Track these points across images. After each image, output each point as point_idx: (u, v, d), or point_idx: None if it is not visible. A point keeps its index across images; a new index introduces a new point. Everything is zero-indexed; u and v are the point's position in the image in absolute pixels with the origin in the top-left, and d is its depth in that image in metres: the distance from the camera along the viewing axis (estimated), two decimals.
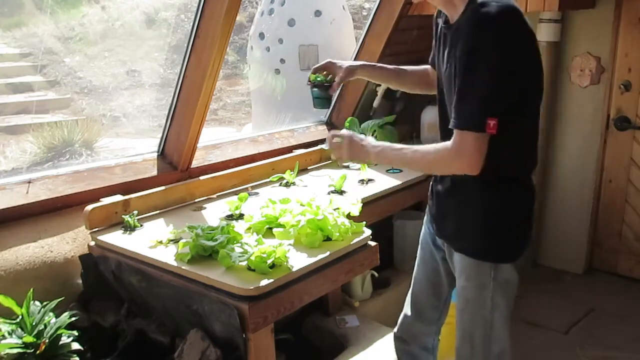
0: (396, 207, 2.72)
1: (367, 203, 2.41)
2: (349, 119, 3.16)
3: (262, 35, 4.40)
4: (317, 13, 4.28)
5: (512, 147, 1.53)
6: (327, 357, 2.31)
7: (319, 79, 1.86)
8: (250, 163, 2.71)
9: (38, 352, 1.62)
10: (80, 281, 2.09)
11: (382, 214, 2.65)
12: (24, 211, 2.10)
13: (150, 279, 1.87)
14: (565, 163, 3.62)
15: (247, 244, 1.79)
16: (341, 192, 2.51)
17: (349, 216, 2.05)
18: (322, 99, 1.88)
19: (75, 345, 1.69)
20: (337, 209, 2.07)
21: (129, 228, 2.10)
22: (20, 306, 1.66)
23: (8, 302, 1.66)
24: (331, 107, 1.94)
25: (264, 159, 2.79)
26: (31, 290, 1.71)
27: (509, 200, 1.62)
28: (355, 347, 2.34)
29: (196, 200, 2.44)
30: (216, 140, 2.84)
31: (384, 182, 2.70)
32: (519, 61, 1.43)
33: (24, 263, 1.98)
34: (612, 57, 3.32)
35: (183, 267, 1.77)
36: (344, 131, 1.75)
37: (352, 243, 1.92)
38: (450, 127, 1.48)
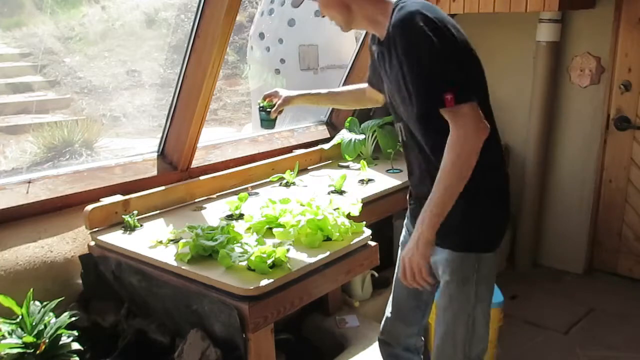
0: (396, 207, 2.72)
1: (367, 203, 2.41)
2: (349, 119, 3.17)
3: (262, 35, 4.40)
4: (317, 13, 4.27)
5: None
6: (327, 357, 2.31)
7: (264, 104, 2.12)
8: (250, 163, 2.71)
9: (38, 352, 1.62)
10: (80, 281, 2.09)
11: (382, 214, 2.65)
12: (24, 211, 2.10)
13: (150, 279, 1.87)
14: (565, 163, 3.62)
15: (247, 244, 1.79)
16: (341, 192, 2.51)
17: (349, 216, 2.05)
18: (265, 120, 2.13)
19: (75, 345, 1.69)
20: (337, 209, 2.07)
21: (129, 228, 2.11)
22: (20, 306, 1.66)
23: (8, 302, 1.66)
24: (274, 128, 2.18)
25: (264, 159, 2.80)
26: (31, 290, 1.71)
27: (485, 188, 1.61)
28: (355, 347, 2.34)
29: (196, 200, 2.45)
30: (216, 140, 2.84)
31: (384, 182, 2.70)
32: (452, 41, 1.48)
33: (24, 263, 1.98)
34: (612, 57, 3.32)
35: (183, 267, 1.77)
36: (404, 260, 1.59)
37: (352, 243, 1.92)
38: (442, 113, 1.46)
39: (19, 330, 1.65)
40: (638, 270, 3.51)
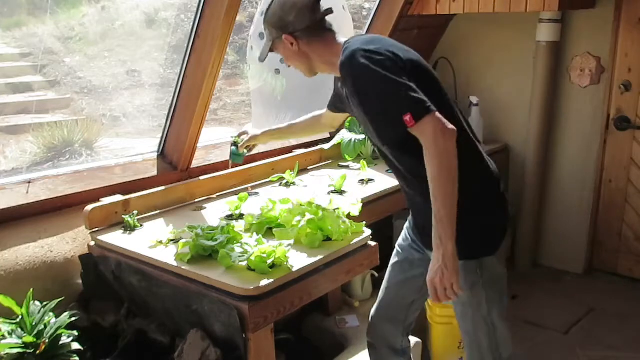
0: (396, 207, 2.72)
1: (367, 203, 2.41)
2: (349, 118, 3.16)
3: (262, 35, 4.38)
4: None
5: None
6: (327, 357, 2.31)
7: (235, 139, 2.32)
8: (250, 163, 2.71)
9: (38, 352, 1.62)
10: (80, 281, 2.09)
11: (382, 214, 2.65)
12: (24, 211, 2.10)
13: (150, 279, 1.87)
14: (565, 163, 3.62)
15: (247, 244, 1.79)
16: (341, 192, 2.51)
17: (349, 216, 2.05)
18: (234, 154, 2.33)
19: (75, 345, 1.69)
20: (337, 209, 2.07)
21: (129, 228, 2.11)
22: (20, 306, 1.66)
23: (8, 302, 1.66)
24: (241, 163, 2.41)
25: (264, 159, 2.80)
26: (31, 290, 1.71)
27: (476, 195, 1.62)
28: (355, 347, 2.34)
29: (196, 200, 2.45)
30: (216, 140, 2.84)
31: (384, 182, 2.70)
32: (396, 65, 1.55)
33: (24, 263, 1.98)
34: (612, 57, 3.32)
35: (183, 267, 1.77)
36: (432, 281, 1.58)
37: (352, 243, 1.92)
38: (411, 131, 1.51)
39: (19, 330, 1.65)
40: (638, 270, 3.51)
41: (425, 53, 3.88)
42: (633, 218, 3.46)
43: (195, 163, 2.58)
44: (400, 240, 1.98)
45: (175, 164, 2.53)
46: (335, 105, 2.07)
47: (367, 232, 1.98)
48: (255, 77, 4.64)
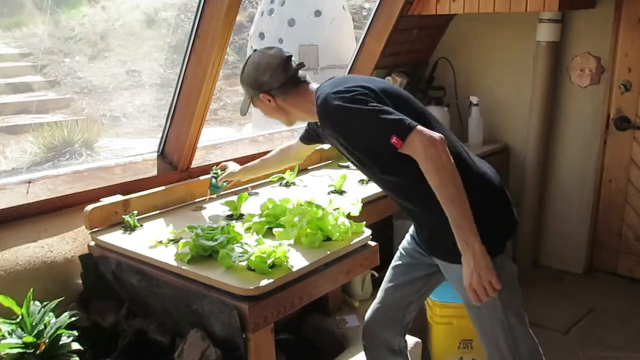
0: (396, 207, 2.71)
1: (367, 203, 2.41)
2: None
3: (262, 35, 4.40)
4: (317, 13, 4.28)
5: None
6: (327, 357, 2.31)
7: (216, 171, 2.37)
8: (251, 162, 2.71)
9: (38, 352, 1.62)
10: (80, 281, 2.09)
11: (382, 214, 2.65)
12: (24, 211, 2.10)
13: (150, 279, 1.87)
14: (565, 163, 3.62)
15: (247, 244, 1.79)
16: (341, 192, 2.51)
17: (349, 216, 2.05)
18: (213, 186, 2.36)
19: (75, 345, 1.69)
20: (337, 209, 2.07)
21: (129, 228, 2.10)
22: (20, 306, 1.66)
23: (8, 302, 1.66)
24: (219, 193, 2.43)
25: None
26: (31, 290, 1.71)
27: (471, 198, 1.60)
28: (355, 347, 2.34)
29: (196, 200, 2.45)
30: (216, 140, 2.84)
31: None
32: (368, 96, 1.60)
33: (24, 263, 1.98)
34: (612, 57, 3.32)
35: (183, 267, 1.77)
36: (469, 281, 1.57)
37: (352, 243, 1.92)
38: (402, 151, 1.54)
39: (19, 330, 1.65)
40: (638, 270, 3.51)
41: (425, 53, 3.88)
42: (633, 218, 3.46)
43: (195, 163, 2.58)
44: (404, 244, 2.00)
45: (175, 164, 2.53)
46: (309, 138, 2.11)
47: (367, 232, 1.98)
48: None
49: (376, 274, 2.73)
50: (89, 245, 2.10)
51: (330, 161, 3.10)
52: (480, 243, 1.52)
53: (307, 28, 4.28)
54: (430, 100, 3.63)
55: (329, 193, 2.50)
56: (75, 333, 1.71)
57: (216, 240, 1.79)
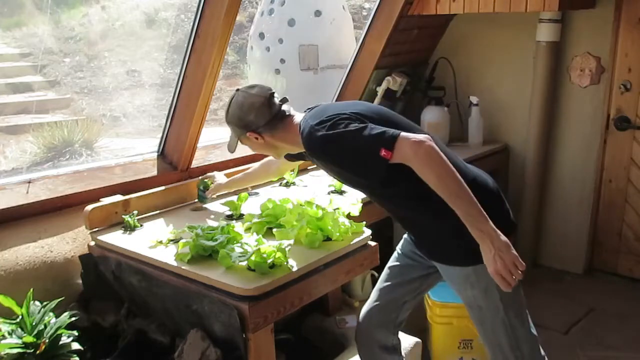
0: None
1: (367, 203, 2.40)
2: None
3: (262, 35, 4.40)
4: (317, 13, 4.27)
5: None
6: (327, 357, 2.31)
7: (206, 184, 2.38)
8: (250, 163, 2.71)
9: (38, 352, 1.62)
10: (80, 281, 2.09)
11: (382, 214, 2.64)
12: (24, 211, 2.10)
13: (150, 279, 1.87)
14: (565, 163, 3.62)
15: (247, 244, 1.79)
16: (341, 192, 2.51)
17: (349, 216, 2.05)
18: (201, 197, 2.38)
19: (75, 345, 1.69)
20: (337, 209, 2.07)
21: (129, 228, 2.11)
22: (20, 306, 1.66)
23: (8, 302, 1.66)
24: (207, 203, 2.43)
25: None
26: (31, 290, 1.71)
27: None
28: (355, 347, 2.34)
29: (196, 200, 2.44)
30: (216, 140, 2.84)
31: None
32: (348, 119, 1.64)
33: (24, 263, 1.98)
34: (612, 57, 3.32)
35: (183, 267, 1.77)
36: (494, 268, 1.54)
37: (352, 243, 1.92)
38: (393, 161, 1.55)
39: (19, 330, 1.65)
40: (638, 270, 3.51)
41: (425, 53, 3.88)
42: (633, 218, 3.46)
43: (195, 163, 2.58)
44: (402, 244, 2.00)
45: (175, 164, 2.53)
46: (294, 156, 2.11)
47: (367, 232, 1.99)
48: (255, 77, 4.65)
49: (376, 274, 2.72)
50: (89, 245, 2.10)
51: None
52: (494, 227, 1.51)
53: (307, 28, 4.28)
54: (430, 100, 3.63)
55: (329, 193, 2.50)
56: (75, 333, 1.71)
57: (216, 240, 1.80)
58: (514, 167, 3.77)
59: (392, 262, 2.00)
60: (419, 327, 2.69)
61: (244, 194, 2.26)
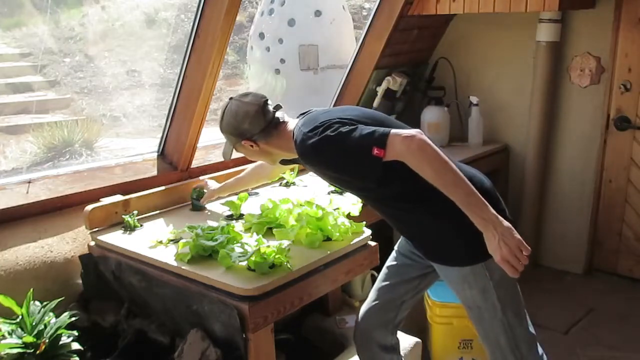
0: None
1: None
2: None
3: (262, 35, 4.40)
4: (317, 13, 4.28)
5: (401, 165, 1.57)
6: (327, 357, 2.31)
7: (196, 194, 2.38)
8: (250, 163, 2.71)
9: (38, 352, 1.62)
10: (80, 281, 2.09)
11: None
12: (24, 211, 2.10)
13: (150, 279, 1.87)
14: (565, 163, 3.62)
15: (247, 244, 1.79)
16: (341, 192, 2.51)
17: (349, 216, 2.05)
18: (195, 205, 2.37)
19: (75, 345, 1.69)
20: (337, 209, 2.07)
21: (129, 228, 2.11)
22: (20, 306, 1.66)
23: (8, 302, 1.66)
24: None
25: None
26: (31, 290, 1.71)
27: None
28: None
29: (197, 188, 2.44)
30: (216, 140, 2.84)
31: None
32: (339, 123, 1.64)
33: (24, 263, 1.98)
34: (612, 57, 3.32)
35: (183, 267, 1.77)
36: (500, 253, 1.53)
37: (352, 243, 1.92)
38: (387, 158, 1.55)
39: (19, 330, 1.65)
40: (638, 270, 3.51)
41: (425, 53, 3.88)
42: (633, 218, 3.46)
43: (195, 163, 2.58)
44: (400, 244, 2.00)
45: (175, 164, 2.53)
46: (287, 160, 2.11)
47: (367, 232, 1.99)
48: (255, 77, 4.65)
49: (376, 274, 2.72)
50: (89, 245, 2.10)
51: None
52: (495, 213, 1.51)
53: (307, 28, 4.28)
54: (430, 100, 3.63)
55: (329, 193, 2.50)
56: (75, 333, 1.71)
57: (216, 240, 1.80)
58: (514, 167, 3.77)
59: (390, 261, 2.00)
60: (419, 327, 2.70)
61: (243, 194, 2.26)
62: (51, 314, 1.70)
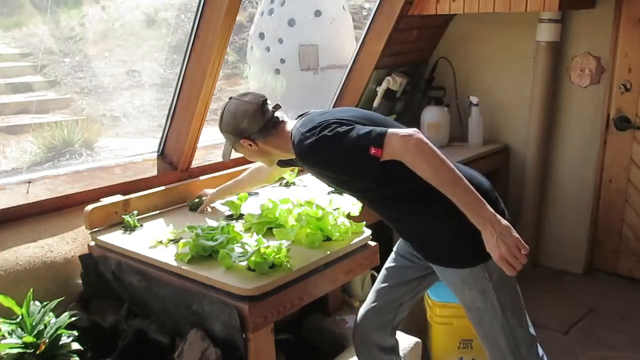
0: None
1: None
2: None
3: (262, 35, 4.40)
4: (317, 13, 4.28)
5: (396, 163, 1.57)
6: (327, 357, 2.31)
7: (193, 202, 2.37)
8: (250, 163, 2.71)
9: (38, 352, 1.62)
10: (80, 281, 2.09)
11: None
12: (24, 211, 2.10)
13: (150, 279, 1.87)
14: (565, 163, 3.62)
15: (247, 244, 1.79)
16: (341, 193, 2.50)
17: (349, 216, 2.05)
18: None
19: (75, 345, 1.69)
20: (337, 209, 2.07)
21: (129, 228, 2.11)
22: (20, 306, 1.66)
23: (8, 302, 1.66)
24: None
25: None
26: (31, 290, 1.71)
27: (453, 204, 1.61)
28: None
29: (195, 200, 2.44)
30: (216, 140, 2.84)
31: None
32: (335, 124, 1.64)
33: (24, 263, 1.98)
34: (612, 57, 3.32)
35: (183, 267, 1.77)
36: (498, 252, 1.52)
37: (352, 243, 1.92)
38: (385, 158, 1.55)
39: (19, 330, 1.65)
40: (638, 270, 3.51)
41: (425, 53, 3.88)
42: (633, 218, 3.46)
43: (195, 163, 2.58)
44: (399, 245, 2.00)
45: (175, 164, 2.53)
46: (285, 162, 2.11)
47: (367, 232, 1.99)
48: (255, 77, 4.65)
49: (376, 274, 2.72)
50: (89, 245, 2.10)
51: None
52: (493, 211, 1.51)
53: (307, 28, 4.28)
54: (430, 100, 3.63)
55: (329, 193, 2.50)
56: (75, 333, 1.71)
57: (216, 240, 1.80)
58: (514, 167, 3.77)
59: (389, 263, 2.00)
60: (419, 327, 2.70)
61: (244, 194, 2.26)
62: (51, 314, 1.70)
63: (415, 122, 3.60)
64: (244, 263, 1.72)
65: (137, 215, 2.16)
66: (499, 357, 1.77)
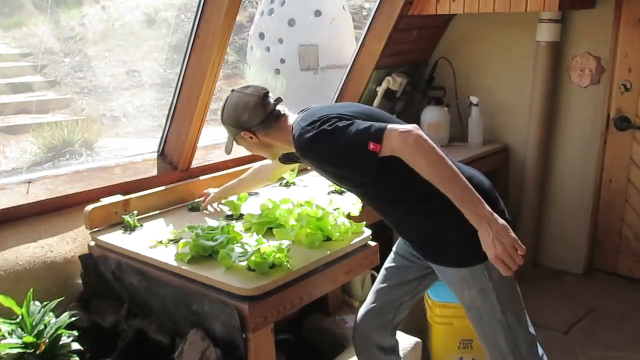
0: None
1: None
2: None
3: (262, 35, 4.40)
4: (317, 13, 4.28)
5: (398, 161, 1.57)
6: (327, 357, 2.31)
7: (193, 205, 2.38)
8: (250, 163, 2.71)
9: (38, 352, 1.62)
10: (80, 281, 2.09)
11: None
12: (24, 211, 2.10)
13: (150, 279, 1.87)
14: (565, 163, 3.62)
15: (247, 244, 1.79)
16: (341, 192, 2.51)
17: (349, 216, 2.05)
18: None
19: (75, 345, 1.69)
20: (337, 209, 2.07)
21: (129, 228, 2.11)
22: (20, 306, 1.66)
23: (8, 302, 1.66)
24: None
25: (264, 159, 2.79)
26: (31, 290, 1.71)
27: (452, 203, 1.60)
28: None
29: (196, 200, 2.44)
30: (216, 140, 2.84)
31: None
32: (335, 118, 1.65)
33: (24, 263, 1.98)
34: (612, 57, 3.32)
35: (183, 267, 1.77)
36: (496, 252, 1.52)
37: (352, 243, 1.92)
38: (383, 153, 1.55)
39: (19, 330, 1.65)
40: (638, 270, 3.51)
41: (425, 53, 3.88)
42: (633, 218, 3.46)
43: (195, 163, 2.58)
44: (399, 245, 2.00)
45: (175, 164, 2.53)
46: (287, 157, 2.11)
47: (367, 232, 1.99)
48: (255, 77, 4.66)
49: (376, 274, 2.72)
50: (89, 245, 2.10)
51: None
52: (490, 210, 1.51)
53: (307, 28, 4.28)
54: (430, 100, 3.63)
55: (329, 193, 2.50)
56: (75, 333, 1.71)
57: (216, 240, 1.80)
58: (514, 167, 3.77)
59: (388, 263, 2.00)
60: (419, 327, 2.70)
61: (244, 194, 2.26)
62: (51, 314, 1.70)
63: (415, 122, 3.57)
64: (244, 263, 1.72)
65: (137, 215, 2.16)
66: (499, 357, 1.77)
